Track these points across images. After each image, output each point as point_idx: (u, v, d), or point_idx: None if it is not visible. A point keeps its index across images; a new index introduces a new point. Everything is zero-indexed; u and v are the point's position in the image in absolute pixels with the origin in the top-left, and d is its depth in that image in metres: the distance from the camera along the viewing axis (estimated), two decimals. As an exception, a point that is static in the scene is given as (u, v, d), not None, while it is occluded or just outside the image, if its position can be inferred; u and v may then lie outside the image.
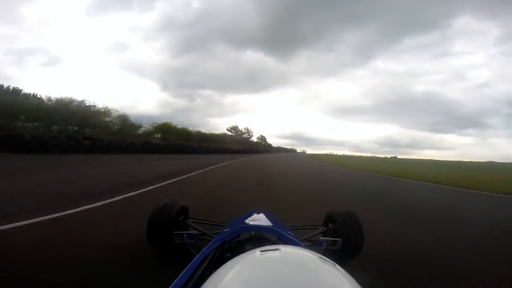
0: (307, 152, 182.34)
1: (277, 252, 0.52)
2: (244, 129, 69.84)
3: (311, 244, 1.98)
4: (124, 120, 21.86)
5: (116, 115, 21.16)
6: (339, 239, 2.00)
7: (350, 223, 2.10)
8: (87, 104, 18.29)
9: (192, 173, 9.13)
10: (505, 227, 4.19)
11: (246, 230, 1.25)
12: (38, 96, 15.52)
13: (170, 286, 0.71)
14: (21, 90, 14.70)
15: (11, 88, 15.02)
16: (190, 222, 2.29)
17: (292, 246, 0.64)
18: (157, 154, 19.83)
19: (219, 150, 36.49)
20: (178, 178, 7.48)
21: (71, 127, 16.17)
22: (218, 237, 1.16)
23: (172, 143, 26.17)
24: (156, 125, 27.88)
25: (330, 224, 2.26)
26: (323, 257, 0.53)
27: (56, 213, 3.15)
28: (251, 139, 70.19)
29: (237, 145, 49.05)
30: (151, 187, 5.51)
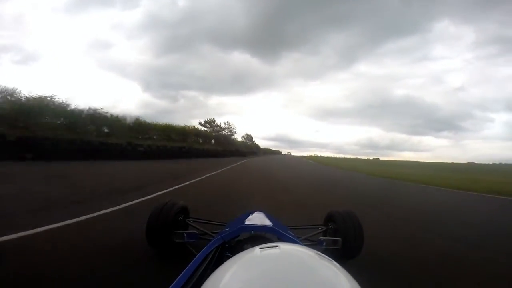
0: (292, 154, 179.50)
1: (276, 249, 0.54)
2: (224, 123, 47.24)
3: (311, 244, 1.98)
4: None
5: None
6: (339, 238, 2.00)
7: (350, 223, 2.10)
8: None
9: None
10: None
11: (246, 229, 1.24)
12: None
13: (170, 286, 0.70)
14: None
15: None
16: (190, 221, 2.29)
17: (291, 244, 0.67)
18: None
19: (181, 152, 21.24)
20: None
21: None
22: (218, 237, 1.16)
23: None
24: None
25: (330, 224, 2.26)
26: (321, 253, 0.54)
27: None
28: (233, 137, 48.56)
29: (213, 145, 33.26)
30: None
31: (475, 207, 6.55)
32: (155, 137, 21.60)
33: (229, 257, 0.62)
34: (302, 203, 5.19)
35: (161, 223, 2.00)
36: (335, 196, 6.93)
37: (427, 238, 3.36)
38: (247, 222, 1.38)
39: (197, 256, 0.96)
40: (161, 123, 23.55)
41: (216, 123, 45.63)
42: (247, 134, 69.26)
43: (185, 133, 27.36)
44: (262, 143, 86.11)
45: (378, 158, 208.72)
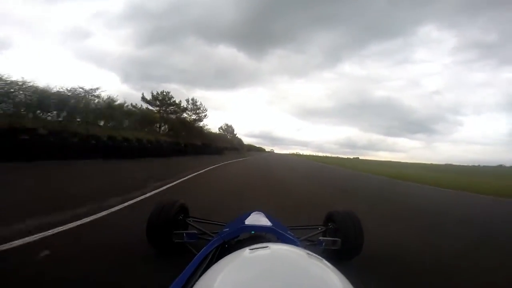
0: (275, 152, 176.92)
1: (266, 250, 0.54)
2: (190, 102, 27.50)
3: (311, 244, 1.98)
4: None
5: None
6: (339, 239, 1.99)
7: (350, 223, 2.09)
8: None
9: None
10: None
11: (246, 230, 1.24)
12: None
13: (170, 286, 0.69)
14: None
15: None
16: (189, 221, 2.29)
17: (281, 244, 0.66)
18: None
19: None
20: None
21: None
22: (218, 237, 1.15)
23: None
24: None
25: (330, 224, 2.24)
26: (311, 253, 0.54)
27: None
28: (206, 127, 29.22)
29: (163, 134, 19.30)
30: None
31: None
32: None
33: None
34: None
35: (161, 223, 1.99)
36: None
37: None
38: (247, 222, 1.38)
39: (197, 256, 0.95)
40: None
41: (173, 100, 25.07)
42: (226, 125, 49.61)
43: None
44: (245, 140, 73.67)
45: (358, 158, 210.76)
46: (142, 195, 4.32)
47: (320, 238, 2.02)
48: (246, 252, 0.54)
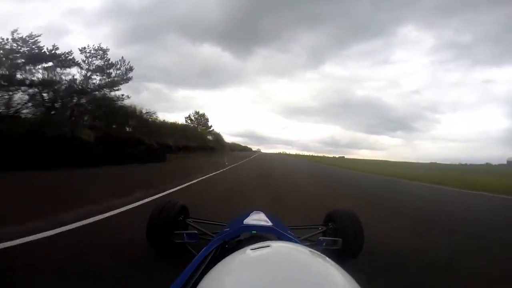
0: (262, 151, 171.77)
1: (268, 249, 0.53)
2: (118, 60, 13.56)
3: (311, 244, 1.97)
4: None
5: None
6: (339, 238, 1.99)
7: (350, 222, 2.09)
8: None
9: None
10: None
11: (246, 229, 1.23)
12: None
13: (170, 286, 0.68)
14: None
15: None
16: (190, 221, 2.28)
17: (282, 242, 0.66)
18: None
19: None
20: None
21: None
22: (218, 237, 1.14)
23: None
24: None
25: (330, 224, 2.24)
26: (313, 250, 0.53)
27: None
28: (154, 116, 17.17)
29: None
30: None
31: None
32: None
33: None
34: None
35: (161, 223, 1.99)
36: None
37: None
38: (247, 222, 1.37)
39: (197, 256, 0.94)
40: None
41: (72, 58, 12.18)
42: (197, 112, 35.59)
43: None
44: (230, 139, 70.93)
45: (344, 156, 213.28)
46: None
47: (321, 238, 2.02)
48: (247, 251, 0.54)
